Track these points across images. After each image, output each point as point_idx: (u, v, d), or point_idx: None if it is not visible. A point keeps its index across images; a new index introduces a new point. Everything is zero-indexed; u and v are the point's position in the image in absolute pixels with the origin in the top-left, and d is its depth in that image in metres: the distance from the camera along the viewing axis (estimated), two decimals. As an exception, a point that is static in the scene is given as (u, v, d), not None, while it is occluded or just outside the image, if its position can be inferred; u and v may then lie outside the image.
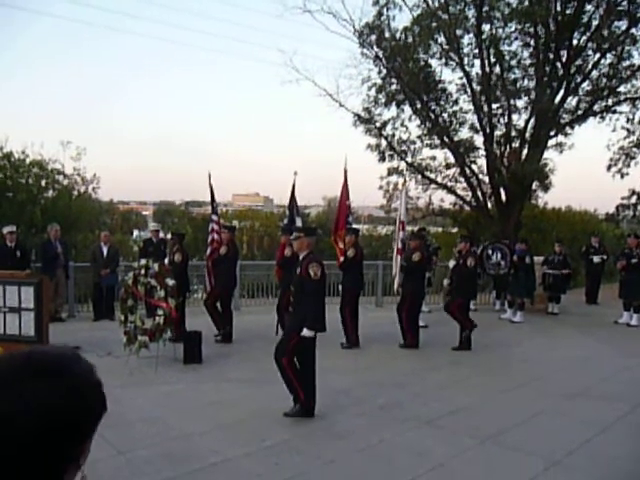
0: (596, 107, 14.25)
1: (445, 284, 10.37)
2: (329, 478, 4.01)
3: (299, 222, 8.96)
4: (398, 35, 13.69)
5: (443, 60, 14.03)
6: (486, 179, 14.50)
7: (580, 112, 14.21)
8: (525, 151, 13.78)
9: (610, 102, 14.26)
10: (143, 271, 6.73)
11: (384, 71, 14.17)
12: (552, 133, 13.95)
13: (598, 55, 13.49)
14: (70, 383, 0.86)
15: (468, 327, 8.05)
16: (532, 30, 13.30)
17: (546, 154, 14.10)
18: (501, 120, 14.32)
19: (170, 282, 6.65)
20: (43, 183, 13.85)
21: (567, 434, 4.88)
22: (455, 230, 18.18)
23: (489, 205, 14.76)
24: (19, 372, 0.84)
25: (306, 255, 5.19)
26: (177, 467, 4.06)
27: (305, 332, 5.00)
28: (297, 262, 5.35)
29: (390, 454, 4.41)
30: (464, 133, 14.66)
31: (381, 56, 13.89)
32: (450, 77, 18.80)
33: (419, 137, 14.86)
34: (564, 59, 13.40)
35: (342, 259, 8.34)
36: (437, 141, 14.58)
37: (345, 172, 8.95)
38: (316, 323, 5.06)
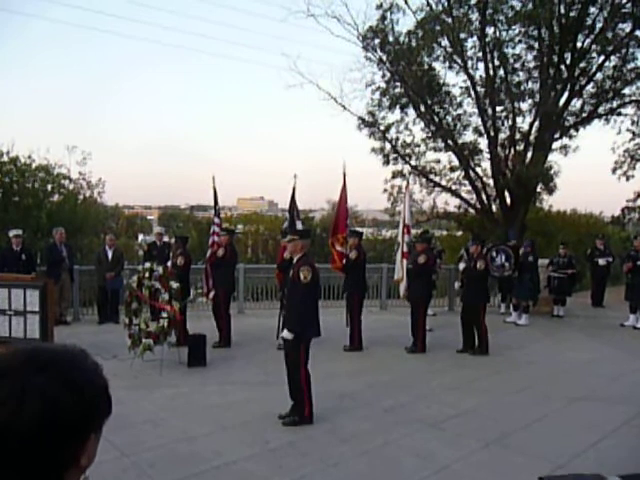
0: (601, 109, 14.21)
1: (456, 287, 10.33)
2: (333, 481, 3.99)
3: (300, 225, 8.95)
4: (402, 39, 13.71)
5: (447, 63, 14.03)
6: (490, 182, 14.45)
7: (585, 114, 14.16)
8: (529, 154, 13.73)
9: (615, 104, 14.21)
10: (147, 274, 6.75)
11: (388, 75, 14.18)
12: (556, 136, 13.90)
13: (602, 57, 13.45)
14: (73, 380, 0.86)
15: (483, 344, 7.94)
16: (536, 33, 13.28)
17: (551, 157, 14.05)
18: (505, 123, 14.29)
19: (174, 285, 6.68)
20: (49, 187, 13.91)
21: (573, 437, 4.85)
22: (460, 233, 18.12)
23: (494, 208, 14.71)
24: (23, 366, 0.85)
25: (299, 258, 5.14)
26: (182, 469, 4.06)
27: (285, 334, 4.96)
28: (291, 265, 5.31)
29: (395, 457, 4.40)
30: (468, 136, 14.65)
31: (385, 60, 13.90)
32: (454, 80, 18.71)
33: (423, 140, 14.86)
34: (568, 61, 13.36)
35: (344, 261, 8.36)
36: (441, 144, 14.55)
37: (344, 176, 8.95)
38: (297, 326, 4.95)
